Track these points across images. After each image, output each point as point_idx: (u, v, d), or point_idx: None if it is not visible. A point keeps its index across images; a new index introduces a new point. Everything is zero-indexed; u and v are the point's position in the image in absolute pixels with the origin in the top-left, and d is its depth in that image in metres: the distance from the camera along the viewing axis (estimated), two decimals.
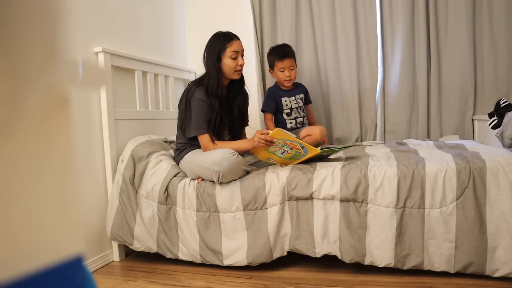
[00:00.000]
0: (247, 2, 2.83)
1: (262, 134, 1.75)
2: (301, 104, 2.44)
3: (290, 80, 2.36)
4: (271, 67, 2.40)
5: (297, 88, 2.48)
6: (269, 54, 2.42)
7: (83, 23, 1.95)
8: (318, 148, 1.78)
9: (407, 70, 2.61)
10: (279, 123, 2.43)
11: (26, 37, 0.30)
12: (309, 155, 1.79)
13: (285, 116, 2.42)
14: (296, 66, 2.42)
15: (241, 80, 2.04)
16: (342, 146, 1.91)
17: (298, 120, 2.44)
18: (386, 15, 2.63)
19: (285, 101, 2.40)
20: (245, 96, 2.10)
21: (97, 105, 2.00)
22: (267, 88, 2.60)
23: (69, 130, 0.35)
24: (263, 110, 2.46)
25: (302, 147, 1.76)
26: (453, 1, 2.52)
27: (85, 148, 1.93)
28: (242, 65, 1.95)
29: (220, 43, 1.91)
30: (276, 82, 2.46)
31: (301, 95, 2.46)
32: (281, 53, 2.33)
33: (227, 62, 1.91)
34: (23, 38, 0.30)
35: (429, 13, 2.55)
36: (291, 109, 2.41)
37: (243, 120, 2.12)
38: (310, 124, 2.55)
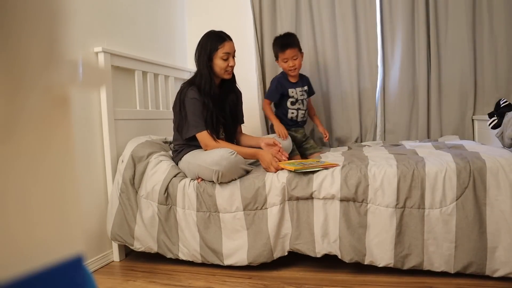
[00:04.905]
0: (247, 2, 2.83)
1: (277, 163, 1.80)
2: (305, 96, 2.44)
3: (294, 69, 2.33)
4: (276, 58, 2.40)
5: (302, 79, 2.47)
6: (272, 45, 2.42)
7: (83, 23, 1.95)
8: (294, 167, 1.71)
9: (407, 70, 2.61)
10: (282, 110, 2.43)
11: (26, 37, 0.30)
12: (288, 167, 1.74)
13: (289, 104, 2.42)
14: (302, 53, 2.37)
15: (232, 79, 2.06)
16: (315, 169, 1.72)
17: (300, 112, 2.43)
18: (386, 15, 2.63)
19: (292, 92, 2.40)
20: (237, 94, 2.12)
21: (97, 105, 2.00)
22: (267, 88, 2.59)
23: (69, 130, 0.35)
24: (265, 97, 2.46)
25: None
26: (453, 1, 2.52)
27: (85, 148, 1.93)
28: (232, 66, 1.97)
29: (212, 43, 1.92)
30: (282, 71, 2.44)
31: (306, 88, 2.46)
32: (281, 44, 2.31)
33: (218, 63, 1.92)
34: (23, 38, 0.30)
35: (429, 13, 2.55)
36: (297, 100, 2.41)
37: (236, 118, 2.13)
38: (310, 116, 2.58)
